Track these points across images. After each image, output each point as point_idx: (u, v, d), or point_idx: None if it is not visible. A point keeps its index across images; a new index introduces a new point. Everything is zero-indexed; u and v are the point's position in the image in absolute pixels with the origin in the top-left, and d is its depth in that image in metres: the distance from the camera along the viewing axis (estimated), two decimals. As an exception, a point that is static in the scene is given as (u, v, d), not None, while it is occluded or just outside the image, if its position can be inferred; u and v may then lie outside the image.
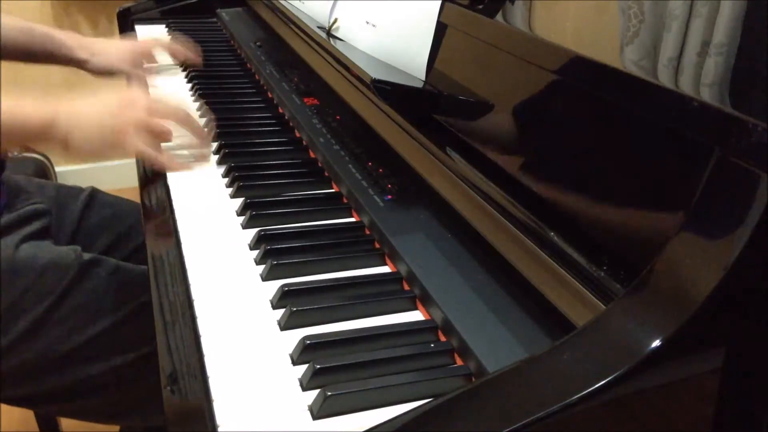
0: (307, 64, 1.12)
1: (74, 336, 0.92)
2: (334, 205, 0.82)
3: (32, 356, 0.91)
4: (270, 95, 1.15)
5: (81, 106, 0.88)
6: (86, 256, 0.97)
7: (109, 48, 1.25)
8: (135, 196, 0.97)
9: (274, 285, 0.65)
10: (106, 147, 0.87)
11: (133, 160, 1.01)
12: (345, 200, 0.82)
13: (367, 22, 0.92)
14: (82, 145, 0.86)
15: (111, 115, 0.87)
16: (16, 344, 0.90)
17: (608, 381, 0.40)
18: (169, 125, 0.91)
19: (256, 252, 0.71)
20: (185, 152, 0.93)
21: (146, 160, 0.90)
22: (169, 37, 1.40)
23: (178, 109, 0.92)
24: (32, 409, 1.25)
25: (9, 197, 1.03)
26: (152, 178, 0.91)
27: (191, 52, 1.28)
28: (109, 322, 0.94)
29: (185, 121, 0.92)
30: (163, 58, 1.33)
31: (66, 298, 0.93)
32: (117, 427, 1.37)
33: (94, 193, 1.17)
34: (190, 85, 1.21)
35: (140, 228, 1.14)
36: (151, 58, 1.30)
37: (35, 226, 1.01)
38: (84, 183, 1.22)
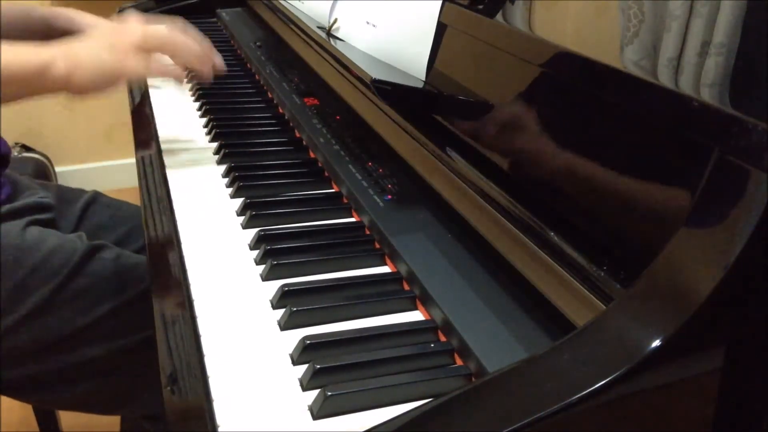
0: (307, 64, 1.12)
1: (78, 317, 0.94)
2: (334, 205, 0.82)
3: (37, 336, 0.92)
4: (270, 95, 1.15)
5: (77, 45, 0.87)
6: (92, 242, 0.99)
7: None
8: (135, 196, 0.97)
9: (274, 285, 0.65)
10: (109, 79, 0.86)
11: (133, 160, 1.02)
12: (345, 200, 0.82)
13: (367, 22, 0.92)
14: (86, 82, 0.85)
15: (109, 47, 0.87)
16: (22, 323, 0.91)
17: (608, 381, 0.40)
18: None
19: (256, 252, 0.71)
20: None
21: (154, 76, 0.90)
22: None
23: (173, 34, 0.90)
24: (31, 402, 1.25)
25: (12, 191, 1.04)
26: (152, 177, 0.91)
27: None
28: (113, 306, 0.95)
29: (183, 45, 0.90)
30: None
31: (72, 279, 0.94)
32: (117, 428, 1.38)
33: (96, 196, 1.19)
34: (190, 85, 1.21)
35: (141, 230, 1.14)
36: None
37: (41, 216, 1.02)
38: (84, 183, 1.22)
